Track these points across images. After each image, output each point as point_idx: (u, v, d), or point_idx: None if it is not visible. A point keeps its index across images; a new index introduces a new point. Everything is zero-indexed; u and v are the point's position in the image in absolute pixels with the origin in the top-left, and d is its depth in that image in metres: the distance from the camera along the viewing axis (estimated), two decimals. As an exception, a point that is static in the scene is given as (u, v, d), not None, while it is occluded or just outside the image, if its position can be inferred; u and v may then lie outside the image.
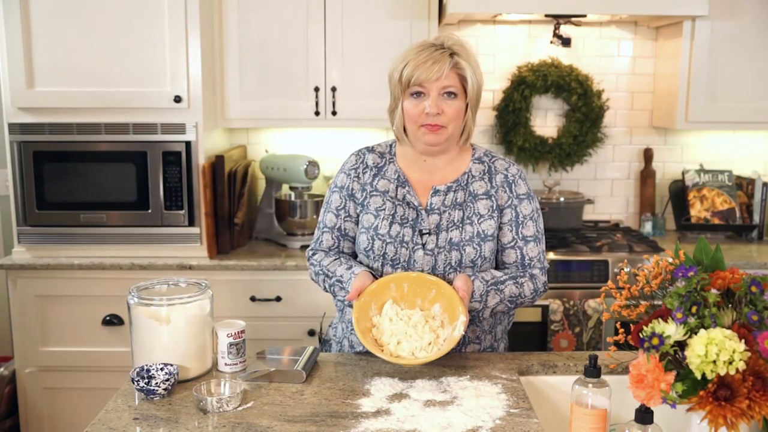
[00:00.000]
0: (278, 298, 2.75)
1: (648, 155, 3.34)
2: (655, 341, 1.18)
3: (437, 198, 1.75)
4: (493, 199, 1.75)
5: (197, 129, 2.69)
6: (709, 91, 2.99)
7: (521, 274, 1.73)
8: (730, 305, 1.24)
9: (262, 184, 3.27)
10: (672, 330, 1.19)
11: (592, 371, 1.36)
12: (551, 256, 2.80)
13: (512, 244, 1.75)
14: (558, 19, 3.04)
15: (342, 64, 2.90)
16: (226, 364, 1.60)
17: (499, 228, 1.75)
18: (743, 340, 1.15)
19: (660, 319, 1.23)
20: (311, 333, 2.75)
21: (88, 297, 2.72)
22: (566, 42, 3.10)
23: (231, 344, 1.59)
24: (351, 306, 1.67)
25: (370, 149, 1.83)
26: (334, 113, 2.92)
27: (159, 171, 2.69)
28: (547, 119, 3.35)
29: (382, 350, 1.56)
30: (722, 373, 1.13)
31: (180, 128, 2.68)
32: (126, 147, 2.68)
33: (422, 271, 1.70)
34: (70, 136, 2.68)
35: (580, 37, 3.26)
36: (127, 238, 2.73)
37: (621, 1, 2.79)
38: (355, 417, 1.39)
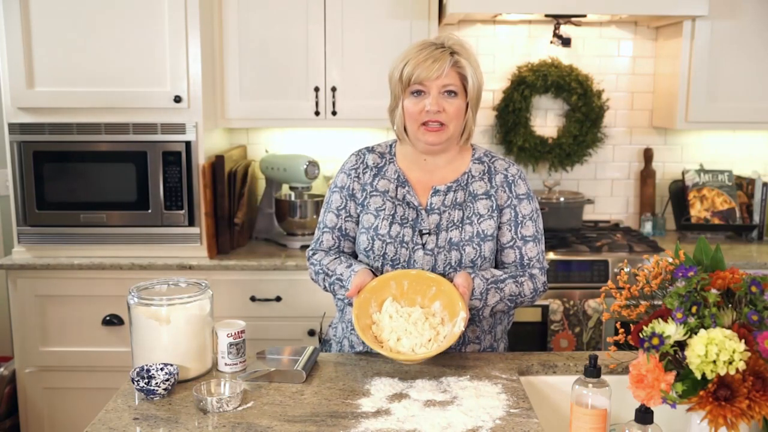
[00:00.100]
0: (278, 298, 2.75)
1: (648, 155, 3.34)
2: (655, 341, 1.18)
3: (437, 198, 1.75)
4: (492, 199, 1.75)
5: (197, 129, 2.69)
6: (709, 91, 2.99)
7: (521, 273, 1.73)
8: (730, 305, 1.24)
9: (262, 184, 3.27)
10: (672, 330, 1.19)
11: (592, 371, 1.36)
12: (551, 256, 2.80)
13: (511, 243, 1.75)
14: (558, 19, 3.04)
15: (342, 64, 2.90)
16: (226, 364, 1.60)
17: (499, 228, 1.75)
18: (743, 340, 1.15)
19: (660, 319, 1.23)
20: (311, 333, 2.76)
21: (88, 297, 2.72)
22: (566, 42, 3.10)
23: (231, 344, 1.59)
24: (351, 304, 1.67)
25: (370, 149, 1.83)
26: (334, 113, 2.92)
27: (159, 171, 2.69)
28: (547, 119, 3.35)
29: (382, 346, 1.56)
30: (722, 373, 1.13)
31: (180, 128, 2.68)
32: (126, 147, 2.68)
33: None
34: (70, 136, 2.68)
35: (580, 37, 3.26)
36: (127, 238, 2.73)
37: (621, 1, 2.79)
38: (355, 417, 1.39)
